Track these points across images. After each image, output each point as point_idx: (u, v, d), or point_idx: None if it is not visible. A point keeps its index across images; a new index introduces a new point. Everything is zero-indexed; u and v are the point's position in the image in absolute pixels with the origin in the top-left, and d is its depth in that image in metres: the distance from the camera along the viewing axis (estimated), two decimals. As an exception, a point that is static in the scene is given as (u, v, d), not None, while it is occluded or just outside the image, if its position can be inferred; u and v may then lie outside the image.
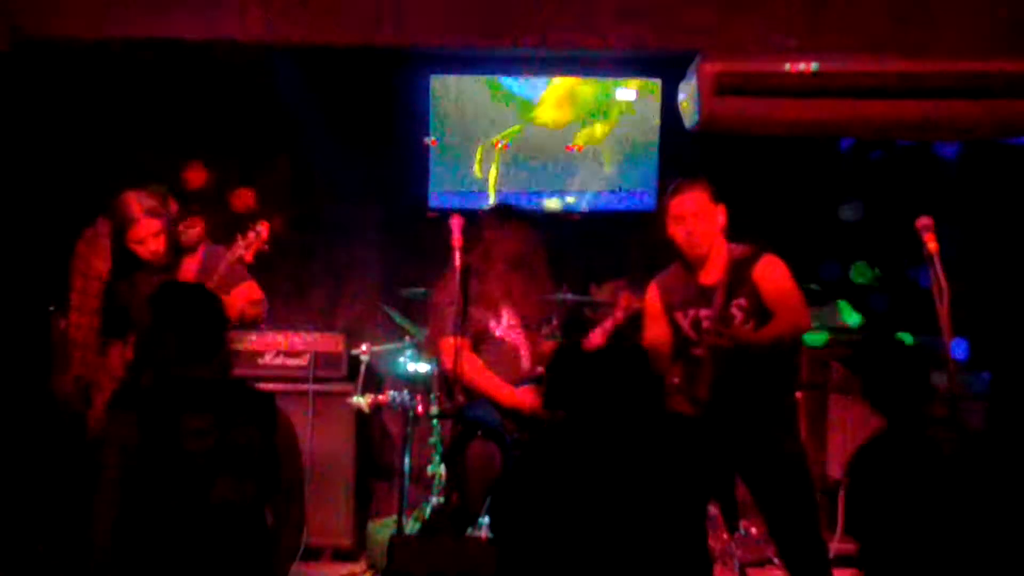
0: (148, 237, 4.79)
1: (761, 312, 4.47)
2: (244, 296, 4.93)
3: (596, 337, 4.90)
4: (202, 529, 3.69)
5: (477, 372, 4.89)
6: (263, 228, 4.80)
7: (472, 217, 5.16)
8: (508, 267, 4.95)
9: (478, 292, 5.01)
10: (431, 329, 5.22)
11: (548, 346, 5.19)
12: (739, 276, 4.50)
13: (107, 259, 5.21)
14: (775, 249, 4.67)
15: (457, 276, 4.69)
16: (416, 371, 5.98)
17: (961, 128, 5.70)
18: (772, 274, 4.52)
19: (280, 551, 4.76)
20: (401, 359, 6.07)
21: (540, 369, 4.96)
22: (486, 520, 5.13)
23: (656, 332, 4.70)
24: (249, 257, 4.76)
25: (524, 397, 4.91)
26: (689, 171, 4.86)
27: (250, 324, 5.11)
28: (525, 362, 5.00)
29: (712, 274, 4.57)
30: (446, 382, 5.08)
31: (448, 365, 4.93)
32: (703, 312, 4.53)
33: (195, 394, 3.82)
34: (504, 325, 4.99)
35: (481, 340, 4.99)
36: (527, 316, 5.06)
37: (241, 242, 4.77)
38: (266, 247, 4.81)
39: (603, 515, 1.66)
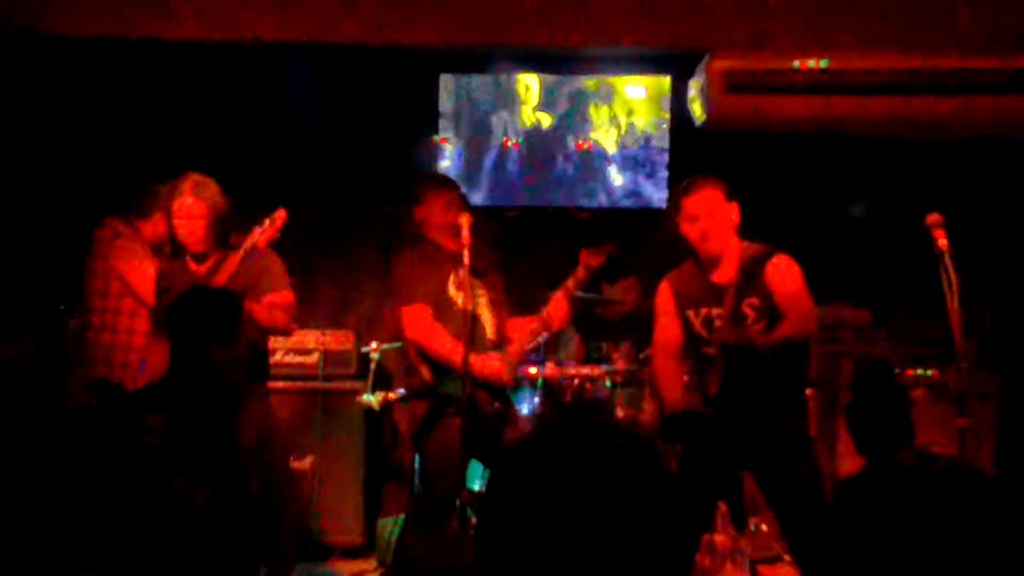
0: (188, 217, 4.78)
1: (772, 312, 4.47)
2: (275, 303, 4.85)
3: (558, 298, 4.84)
4: (166, 526, 3.69)
5: (439, 341, 4.78)
6: (279, 216, 4.79)
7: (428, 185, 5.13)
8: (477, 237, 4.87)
9: (437, 262, 4.92)
10: (394, 300, 5.05)
11: (514, 323, 5.06)
12: (751, 275, 4.48)
13: (129, 259, 5.22)
14: (785, 246, 4.66)
15: (467, 274, 4.66)
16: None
17: (972, 125, 5.70)
18: (784, 275, 4.51)
19: (283, 543, 4.78)
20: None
21: (527, 347, 4.94)
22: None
23: (667, 329, 4.69)
24: (262, 244, 4.75)
25: (488, 365, 4.79)
26: (698, 168, 4.85)
27: (271, 331, 5.02)
28: (489, 334, 4.92)
29: (725, 273, 4.56)
30: (409, 361, 4.98)
31: (409, 333, 4.85)
32: (715, 311, 4.52)
33: (157, 394, 3.85)
34: (466, 296, 4.88)
35: (441, 310, 4.87)
36: (495, 291, 4.98)
37: (257, 229, 4.76)
38: (278, 235, 4.79)
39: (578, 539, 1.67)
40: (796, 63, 5.61)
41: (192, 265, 4.87)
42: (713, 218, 4.53)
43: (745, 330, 4.40)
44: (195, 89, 6.73)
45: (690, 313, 4.61)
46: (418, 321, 4.81)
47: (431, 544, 4.24)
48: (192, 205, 4.77)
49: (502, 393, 4.85)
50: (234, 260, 4.73)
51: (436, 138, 7.03)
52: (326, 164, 7.08)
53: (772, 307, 4.48)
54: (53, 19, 5.59)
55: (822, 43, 5.64)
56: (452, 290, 4.87)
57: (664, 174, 7.01)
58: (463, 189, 5.31)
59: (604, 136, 7.06)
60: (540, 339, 5.04)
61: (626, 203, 7.08)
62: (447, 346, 4.74)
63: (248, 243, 4.72)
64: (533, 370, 5.59)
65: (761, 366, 4.42)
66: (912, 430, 4.13)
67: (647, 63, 6.86)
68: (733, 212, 4.58)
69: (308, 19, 5.68)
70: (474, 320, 4.81)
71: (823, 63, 5.60)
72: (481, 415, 4.73)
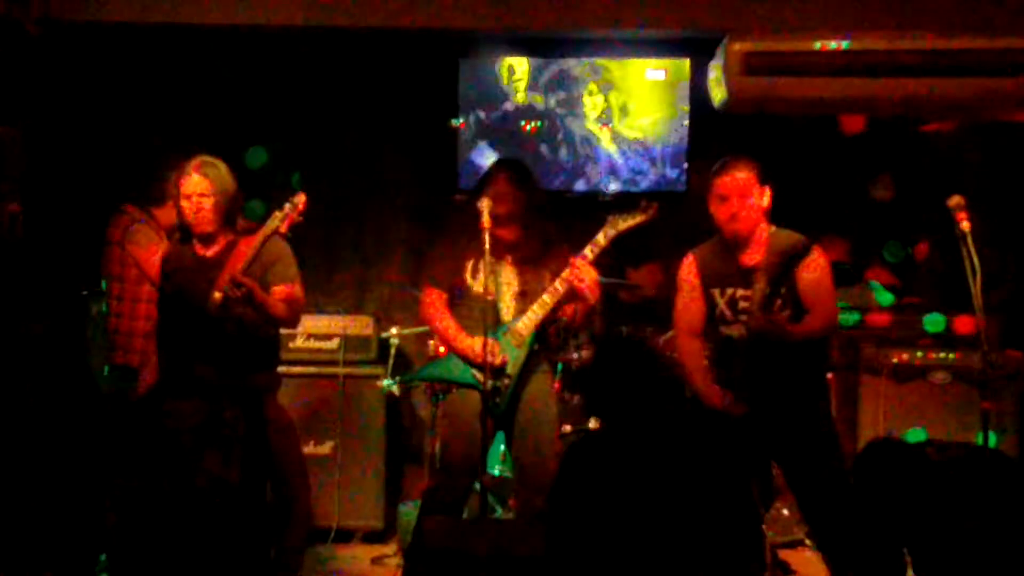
0: (195, 195, 4.67)
1: (796, 301, 4.44)
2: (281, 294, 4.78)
3: (576, 263, 4.73)
4: (190, 505, 3.70)
5: (440, 322, 4.92)
6: (300, 200, 4.69)
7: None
8: (513, 223, 4.83)
9: (461, 248, 4.94)
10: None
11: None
12: (785, 265, 4.44)
13: (146, 246, 5.21)
14: (803, 228, 4.62)
15: (487, 258, 4.65)
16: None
17: (995, 107, 5.65)
18: (815, 270, 4.48)
19: (290, 525, 4.80)
20: (431, 341, 6.06)
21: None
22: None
23: (691, 306, 4.65)
24: (284, 228, 4.66)
25: (477, 347, 4.74)
26: (719, 150, 4.82)
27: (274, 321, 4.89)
28: (505, 319, 4.88)
29: (753, 255, 4.52)
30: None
31: (421, 314, 5.06)
32: (740, 292, 4.50)
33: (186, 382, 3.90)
34: (481, 281, 4.83)
35: (460, 295, 4.93)
36: (538, 280, 4.90)
37: (278, 214, 4.67)
38: (301, 219, 4.70)
39: (655, 513, 1.66)
40: (817, 44, 5.57)
41: (200, 249, 4.80)
42: (744, 200, 4.49)
43: (778, 317, 4.36)
44: (214, 76, 6.73)
45: (715, 291, 4.57)
46: (427, 305, 4.97)
47: (449, 529, 4.19)
48: (198, 183, 4.68)
49: (502, 372, 4.80)
50: (246, 245, 4.69)
51: (455, 123, 7.00)
52: (345, 149, 7.09)
53: (796, 297, 4.45)
54: (72, 5, 5.61)
55: (843, 24, 5.61)
56: (468, 277, 4.90)
57: (684, 156, 6.95)
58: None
59: (624, 118, 7.03)
60: (568, 316, 4.97)
61: (646, 186, 7.02)
62: (444, 329, 4.90)
63: (269, 228, 4.67)
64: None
65: (783, 350, 4.40)
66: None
67: (667, 45, 6.82)
68: (764, 195, 4.54)
69: (325, 5, 5.68)
70: (488, 305, 4.81)
71: (844, 44, 5.56)
72: (485, 392, 4.71)
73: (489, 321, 4.74)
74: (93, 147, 6.38)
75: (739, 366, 4.43)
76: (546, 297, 4.78)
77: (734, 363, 4.47)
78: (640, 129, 6.98)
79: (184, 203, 4.71)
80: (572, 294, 4.80)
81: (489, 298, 4.71)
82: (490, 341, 4.74)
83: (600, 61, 6.95)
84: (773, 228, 4.57)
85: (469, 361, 4.81)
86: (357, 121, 7.06)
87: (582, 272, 4.70)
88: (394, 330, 6.22)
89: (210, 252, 4.77)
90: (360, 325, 6.32)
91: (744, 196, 4.48)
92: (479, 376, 4.74)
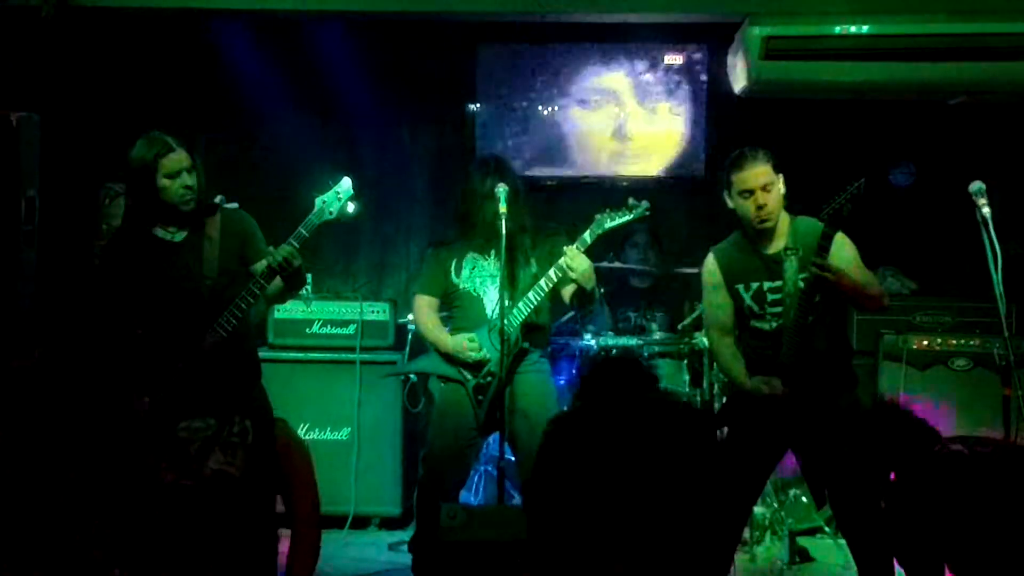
0: (183, 172, 4.26)
1: (824, 283, 4.39)
2: None
3: (575, 253, 4.67)
4: (195, 498, 3.68)
5: (426, 324, 5.03)
6: (346, 184, 4.42)
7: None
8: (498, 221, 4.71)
9: (445, 250, 5.02)
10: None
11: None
12: (815, 247, 4.39)
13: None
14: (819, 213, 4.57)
15: (503, 244, 4.62)
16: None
17: (1016, 89, 5.62)
18: (848, 249, 4.45)
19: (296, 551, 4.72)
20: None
21: None
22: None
23: (718, 305, 4.60)
24: (335, 214, 4.41)
25: (455, 342, 4.88)
26: (736, 137, 4.78)
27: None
28: (490, 311, 4.89)
29: (776, 244, 4.48)
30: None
31: (414, 320, 5.21)
32: (767, 284, 4.45)
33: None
34: (466, 276, 4.93)
35: (450, 294, 5.00)
36: (512, 271, 4.85)
37: (324, 202, 4.39)
38: (353, 204, 4.48)
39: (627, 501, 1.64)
40: (837, 28, 5.54)
41: (163, 233, 4.37)
42: (767, 193, 4.42)
43: (840, 270, 4.29)
44: (230, 59, 6.71)
45: (739, 287, 4.53)
46: (415, 309, 5.12)
47: (473, 516, 4.15)
48: (184, 159, 4.28)
49: (482, 368, 4.86)
50: (213, 224, 4.41)
51: (473, 108, 6.99)
52: (363, 134, 7.07)
53: (824, 280, 4.40)
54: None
55: (863, 7, 5.57)
56: (453, 275, 4.95)
57: (702, 143, 6.93)
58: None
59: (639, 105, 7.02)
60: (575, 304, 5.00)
61: (663, 172, 6.99)
62: (426, 329, 5.03)
63: (319, 217, 4.37)
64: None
65: (815, 339, 4.35)
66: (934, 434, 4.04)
67: (685, 31, 6.78)
68: (781, 184, 4.48)
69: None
70: (477, 299, 4.93)
71: (864, 28, 5.52)
72: (471, 386, 4.87)
73: (473, 313, 4.90)
74: (109, 132, 6.36)
75: (774, 356, 4.39)
76: (531, 295, 4.78)
77: (768, 354, 4.43)
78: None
79: (167, 182, 4.27)
80: (565, 282, 4.80)
81: (475, 289, 4.90)
82: (473, 337, 4.85)
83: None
84: (790, 216, 4.52)
85: (450, 358, 4.89)
86: (376, 106, 7.03)
87: (574, 263, 4.69)
88: (411, 316, 6.21)
89: (177, 236, 4.40)
90: (377, 311, 6.30)
91: (767, 190, 4.41)
92: (464, 372, 4.86)
